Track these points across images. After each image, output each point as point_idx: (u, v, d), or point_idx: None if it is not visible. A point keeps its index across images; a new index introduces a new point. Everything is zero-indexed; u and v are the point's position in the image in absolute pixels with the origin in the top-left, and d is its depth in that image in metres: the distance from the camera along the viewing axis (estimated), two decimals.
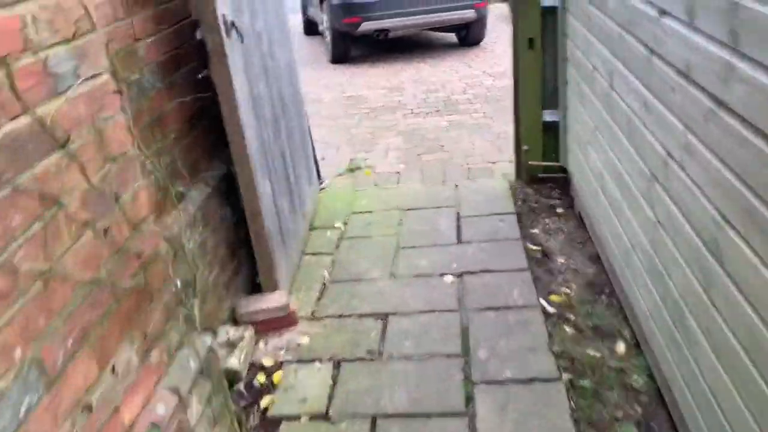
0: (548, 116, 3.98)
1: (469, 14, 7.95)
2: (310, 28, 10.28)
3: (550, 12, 3.71)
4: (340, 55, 8.29)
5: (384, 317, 2.92)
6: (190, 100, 2.61)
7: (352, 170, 4.71)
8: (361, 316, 2.95)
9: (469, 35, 8.56)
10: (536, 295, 2.96)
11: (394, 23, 7.83)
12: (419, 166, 4.71)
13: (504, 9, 10.66)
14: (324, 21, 8.46)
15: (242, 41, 2.65)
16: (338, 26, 7.92)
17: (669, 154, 1.95)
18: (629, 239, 2.52)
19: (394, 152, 5.04)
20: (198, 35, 2.47)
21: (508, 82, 7.03)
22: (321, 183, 4.40)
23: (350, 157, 4.97)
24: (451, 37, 9.00)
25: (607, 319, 2.76)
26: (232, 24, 2.54)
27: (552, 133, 3.99)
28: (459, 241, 3.54)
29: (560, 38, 3.59)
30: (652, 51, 2.05)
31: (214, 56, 2.49)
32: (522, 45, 3.82)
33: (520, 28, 3.79)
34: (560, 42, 3.59)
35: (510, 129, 5.27)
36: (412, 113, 6.00)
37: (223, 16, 2.47)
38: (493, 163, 4.62)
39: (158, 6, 2.42)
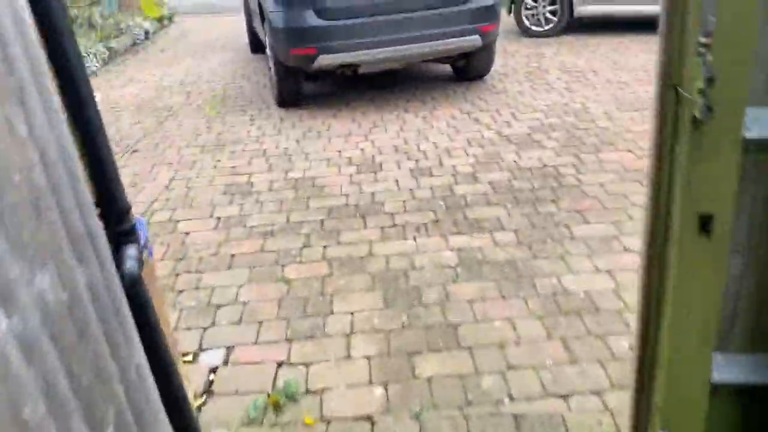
0: (724, 372, 1.68)
1: (473, 41, 5.54)
2: (257, 45, 7.82)
3: (759, 151, 1.40)
4: (288, 98, 5.83)
5: None
6: None
7: (277, 405, 2.36)
8: None
9: (470, 67, 6.16)
10: None
11: (366, 56, 5.32)
12: (415, 396, 2.36)
13: (509, 19, 8.27)
14: (267, 47, 5.99)
15: None
16: (284, 59, 5.45)
17: None
18: None
19: (364, 341, 2.67)
20: None
21: (541, 155, 4.24)
22: None
23: (279, 360, 2.60)
24: (445, 67, 6.62)
25: None
26: None
27: (734, 402, 1.70)
28: None
29: None
30: None
31: None
32: (685, 224, 1.50)
33: (680, 190, 1.46)
34: None
35: (577, 277, 2.75)
36: (394, 226, 3.63)
37: None
38: (567, 398, 2.29)
39: None
